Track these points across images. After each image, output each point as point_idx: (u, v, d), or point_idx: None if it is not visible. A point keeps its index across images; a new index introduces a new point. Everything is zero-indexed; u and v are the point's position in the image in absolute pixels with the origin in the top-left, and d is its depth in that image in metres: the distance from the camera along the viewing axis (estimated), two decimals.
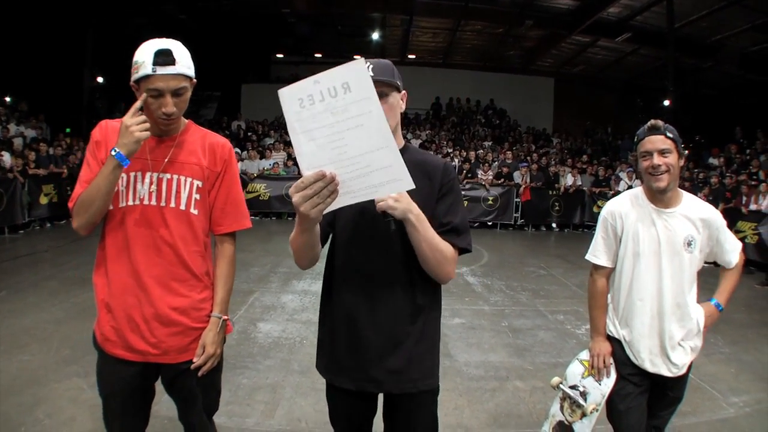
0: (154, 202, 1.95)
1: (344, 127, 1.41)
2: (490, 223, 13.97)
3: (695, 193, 11.42)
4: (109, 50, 16.91)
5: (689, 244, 2.30)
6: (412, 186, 1.49)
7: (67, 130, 16.22)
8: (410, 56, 22.91)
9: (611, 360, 2.45)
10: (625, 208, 2.41)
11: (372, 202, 1.61)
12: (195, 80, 1.94)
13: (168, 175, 1.97)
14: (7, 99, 15.20)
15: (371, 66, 1.73)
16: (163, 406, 3.31)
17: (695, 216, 2.33)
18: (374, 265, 1.85)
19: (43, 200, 11.18)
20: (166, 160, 1.97)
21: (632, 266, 2.38)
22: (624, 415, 2.40)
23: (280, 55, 23.88)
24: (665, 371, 2.33)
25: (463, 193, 13.41)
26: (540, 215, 14.07)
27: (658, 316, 2.33)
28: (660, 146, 2.24)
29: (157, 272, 1.96)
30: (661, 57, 16.78)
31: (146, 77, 1.82)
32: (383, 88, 1.74)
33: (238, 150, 14.79)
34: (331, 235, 1.93)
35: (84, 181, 1.93)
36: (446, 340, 5.11)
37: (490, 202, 13.77)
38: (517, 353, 5.00)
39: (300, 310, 5.99)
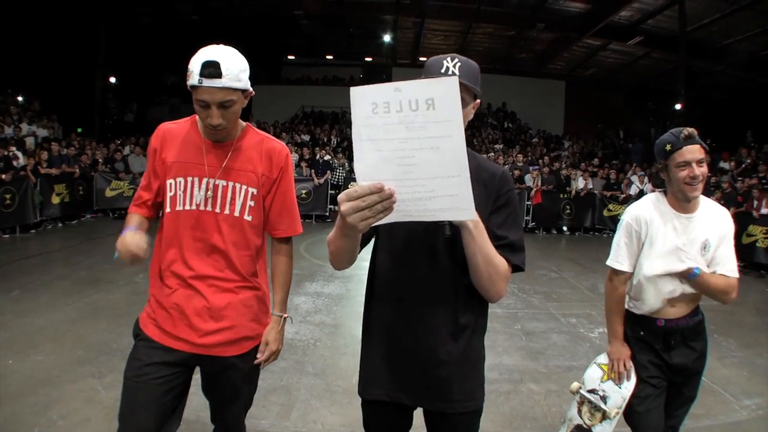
0: (209, 208, 1.99)
1: (417, 145, 1.26)
2: None
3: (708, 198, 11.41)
4: (122, 50, 17.09)
5: (705, 247, 2.32)
6: (474, 217, 1.40)
7: (79, 129, 16.37)
8: (421, 58, 22.92)
9: (631, 363, 2.48)
10: (649, 213, 2.39)
11: None
12: (251, 90, 1.95)
13: (223, 182, 1.99)
14: (20, 98, 15.32)
15: (459, 64, 1.64)
16: None
17: (713, 219, 2.35)
18: (419, 276, 1.73)
19: (55, 200, 11.22)
20: (222, 166, 2.00)
21: (651, 269, 2.36)
22: (644, 417, 2.42)
23: (291, 57, 24.03)
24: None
25: None
26: (551, 218, 14.00)
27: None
28: (698, 156, 2.22)
29: (207, 273, 2.00)
30: (672, 60, 16.75)
31: (194, 88, 1.83)
32: (464, 94, 1.59)
33: None
34: (374, 238, 1.84)
35: (141, 188, 2.10)
36: None
37: None
38: (530, 356, 4.98)
39: (313, 312, 5.98)
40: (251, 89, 1.96)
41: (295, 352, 4.79)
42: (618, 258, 2.47)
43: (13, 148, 10.79)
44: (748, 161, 14.19)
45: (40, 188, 10.85)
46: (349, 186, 1.38)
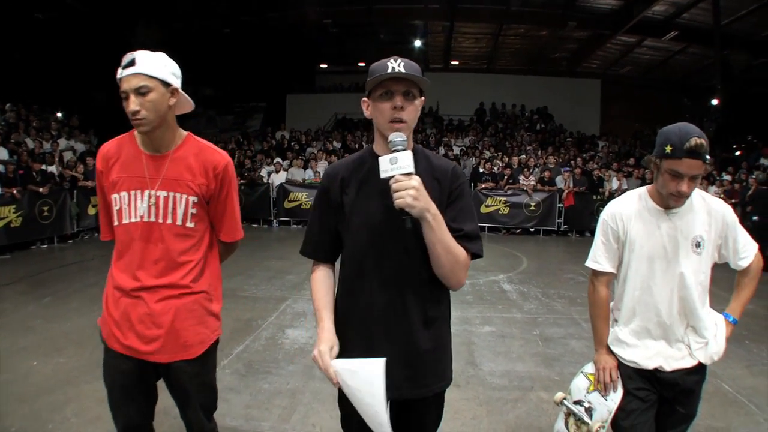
0: (153, 219, 2.08)
1: (358, 401, 1.72)
2: (532, 230, 13.72)
3: (743, 198, 10.84)
4: None
5: (698, 245, 2.15)
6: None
7: None
8: (453, 62, 22.89)
9: (618, 374, 2.31)
10: (626, 209, 2.26)
11: (391, 205, 1.63)
12: (176, 87, 2.07)
13: (164, 193, 2.08)
14: (59, 114, 15.88)
15: (402, 63, 1.74)
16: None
17: (704, 212, 2.17)
18: (390, 271, 1.82)
19: (91, 211, 11.60)
20: (161, 177, 2.08)
21: (636, 271, 2.23)
22: None
23: (323, 65, 24.24)
24: (667, 366, 2.21)
25: (504, 199, 13.44)
26: (584, 220, 13.61)
27: (665, 323, 2.19)
28: (695, 172, 2.01)
29: (152, 283, 2.07)
30: (709, 55, 16.24)
31: (119, 84, 2.00)
32: (411, 88, 1.77)
33: (279, 160, 15.08)
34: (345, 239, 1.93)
35: (100, 213, 2.27)
36: (473, 348, 5.01)
37: (533, 207, 13.51)
38: (545, 363, 4.86)
39: None
40: (176, 86, 2.07)
41: (305, 356, 4.81)
42: (596, 257, 2.35)
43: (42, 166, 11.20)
44: None
45: (77, 200, 11.28)
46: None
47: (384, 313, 1.82)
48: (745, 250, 2.23)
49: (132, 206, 2.08)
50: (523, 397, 4.14)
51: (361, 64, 23.20)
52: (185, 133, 2.19)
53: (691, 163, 1.98)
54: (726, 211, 2.20)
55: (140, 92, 1.96)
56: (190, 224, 2.11)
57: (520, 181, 13.93)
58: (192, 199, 2.10)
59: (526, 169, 14.34)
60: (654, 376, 2.24)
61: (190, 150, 2.14)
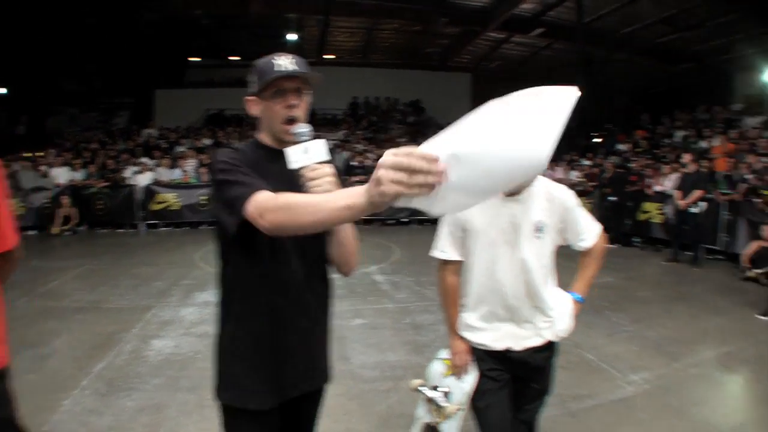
0: None
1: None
2: (405, 220, 13.97)
3: (601, 181, 11.64)
4: (13, 59, 15.97)
5: (539, 229, 2.23)
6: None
7: None
8: (328, 56, 22.73)
9: (469, 357, 2.38)
10: None
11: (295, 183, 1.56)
12: None
13: None
14: None
15: (294, 60, 1.73)
16: None
17: (543, 199, 2.25)
18: (296, 263, 1.77)
19: None
20: None
21: (481, 258, 2.29)
22: (484, 413, 2.33)
23: (194, 59, 23.22)
24: (516, 346, 2.30)
25: None
26: None
27: (512, 306, 2.27)
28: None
29: None
30: (574, 51, 17.31)
31: None
32: (302, 84, 1.75)
33: (146, 159, 14.32)
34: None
35: None
36: (344, 342, 4.97)
37: None
38: (416, 350, 4.94)
39: (198, 323, 5.74)
40: None
41: (171, 367, 4.58)
42: (442, 247, 2.40)
43: None
44: (645, 142, 15.06)
45: None
46: None
47: (289, 307, 1.77)
48: (586, 232, 2.35)
49: None
50: (394, 386, 4.19)
51: (234, 58, 22.52)
52: None
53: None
54: (566, 197, 2.30)
55: None
56: None
57: None
58: None
59: None
60: (504, 356, 2.31)
61: None
